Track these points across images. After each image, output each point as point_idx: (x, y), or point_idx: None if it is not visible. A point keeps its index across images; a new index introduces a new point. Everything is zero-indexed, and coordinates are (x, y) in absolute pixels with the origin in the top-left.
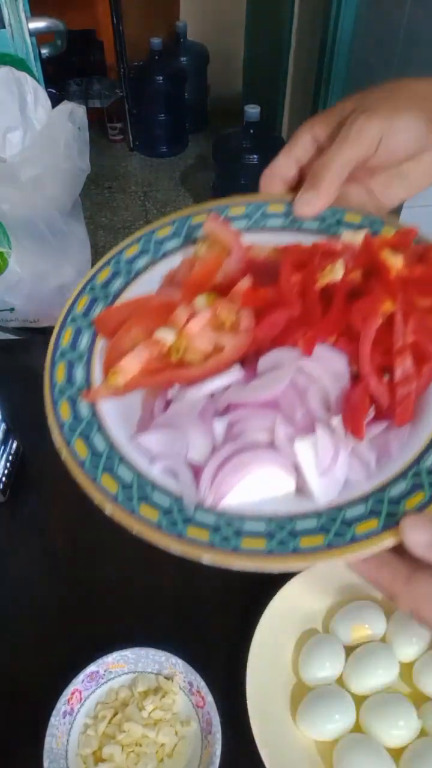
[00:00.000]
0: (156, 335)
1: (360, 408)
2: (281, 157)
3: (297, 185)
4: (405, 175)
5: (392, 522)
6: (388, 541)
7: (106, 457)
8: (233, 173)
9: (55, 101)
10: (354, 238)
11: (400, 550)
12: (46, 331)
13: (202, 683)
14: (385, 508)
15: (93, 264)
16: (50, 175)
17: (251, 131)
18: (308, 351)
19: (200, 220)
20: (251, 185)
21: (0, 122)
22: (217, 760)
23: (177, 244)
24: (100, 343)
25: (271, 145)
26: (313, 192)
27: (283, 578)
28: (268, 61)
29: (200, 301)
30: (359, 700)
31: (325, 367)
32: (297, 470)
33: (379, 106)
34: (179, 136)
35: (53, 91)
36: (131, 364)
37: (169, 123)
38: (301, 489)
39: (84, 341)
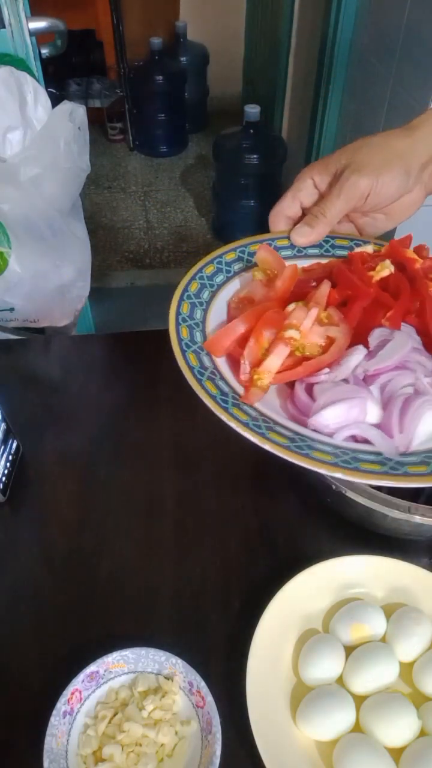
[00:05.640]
0: (286, 335)
1: None
2: (287, 198)
3: (299, 222)
4: (388, 213)
5: None
6: None
7: (300, 440)
8: (233, 173)
9: (55, 101)
10: (365, 249)
11: None
12: (46, 331)
13: (202, 683)
14: None
15: (93, 263)
16: (50, 175)
17: (251, 131)
18: (397, 325)
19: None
20: (250, 185)
21: (0, 122)
22: (217, 760)
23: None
24: (219, 360)
25: (270, 145)
26: (308, 228)
27: (283, 578)
28: (268, 61)
29: (295, 306)
30: (359, 700)
31: (408, 337)
32: None
33: (369, 164)
34: (179, 136)
35: (53, 91)
36: (274, 364)
37: (169, 123)
38: None
39: (206, 359)
